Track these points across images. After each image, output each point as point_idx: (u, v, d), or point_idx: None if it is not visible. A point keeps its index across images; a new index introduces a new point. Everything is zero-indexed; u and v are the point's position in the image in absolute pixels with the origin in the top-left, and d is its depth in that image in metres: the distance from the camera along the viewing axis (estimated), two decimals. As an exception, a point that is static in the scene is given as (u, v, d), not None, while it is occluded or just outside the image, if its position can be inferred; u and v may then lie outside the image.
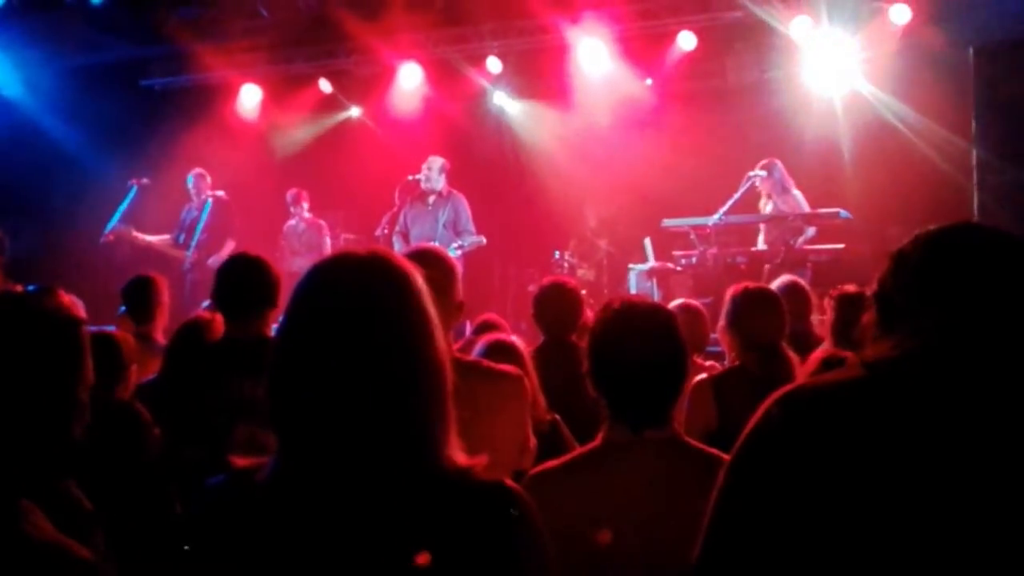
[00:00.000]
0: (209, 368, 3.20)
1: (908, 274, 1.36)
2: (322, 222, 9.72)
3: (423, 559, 1.30)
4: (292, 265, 8.89)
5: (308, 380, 1.38)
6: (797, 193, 8.10)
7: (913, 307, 1.32)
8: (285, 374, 1.41)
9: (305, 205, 9.68)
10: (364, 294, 1.41)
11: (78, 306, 4.34)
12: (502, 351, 3.23)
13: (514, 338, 3.44)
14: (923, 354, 1.28)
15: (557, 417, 3.28)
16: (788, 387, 1.37)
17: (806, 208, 8.01)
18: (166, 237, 9.19)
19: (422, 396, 1.39)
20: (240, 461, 1.46)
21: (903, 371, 1.29)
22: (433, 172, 8.68)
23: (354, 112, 10.92)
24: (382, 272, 1.44)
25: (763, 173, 8.03)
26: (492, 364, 2.76)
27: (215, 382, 3.11)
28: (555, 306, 4.03)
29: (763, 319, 3.50)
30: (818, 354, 2.72)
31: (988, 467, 1.21)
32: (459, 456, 1.42)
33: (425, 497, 1.36)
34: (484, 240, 8.68)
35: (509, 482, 1.45)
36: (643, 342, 2.13)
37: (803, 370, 2.67)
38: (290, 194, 9.69)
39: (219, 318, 4.06)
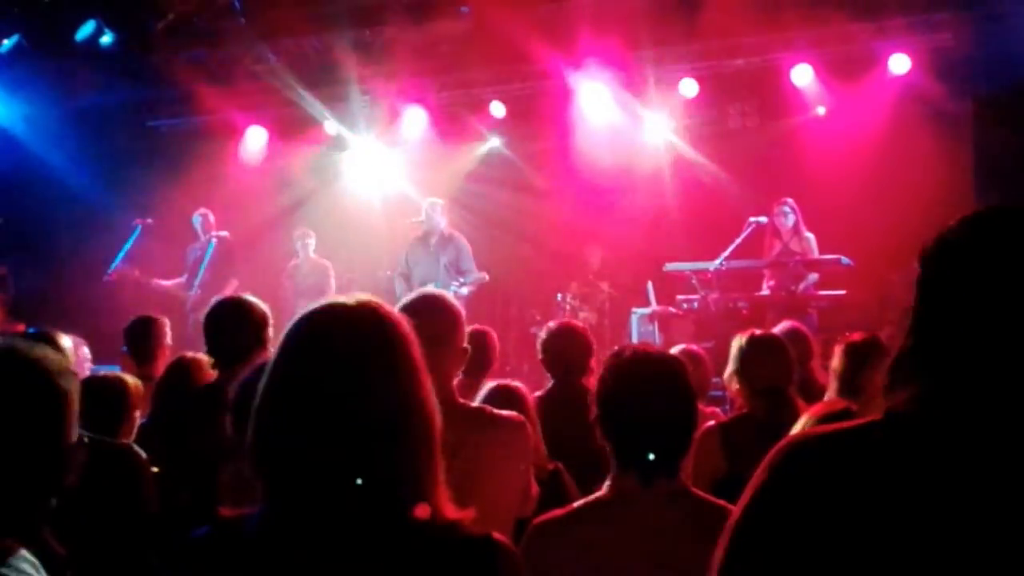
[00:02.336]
0: (198, 410, 3.21)
1: (927, 289, 1.26)
2: (328, 263, 9.71)
3: None
4: (296, 306, 8.85)
5: (292, 431, 1.37)
6: (810, 236, 8.16)
7: (945, 350, 1.22)
8: (270, 424, 1.39)
9: (311, 244, 9.67)
10: (351, 346, 1.40)
11: (81, 346, 4.36)
12: (505, 396, 3.22)
13: (517, 383, 3.42)
14: (941, 404, 1.22)
15: (560, 466, 3.26)
16: (792, 438, 1.34)
17: (816, 251, 8.06)
18: (181, 280, 9.19)
19: (408, 449, 1.38)
20: (226, 511, 1.45)
21: (917, 422, 1.23)
22: (435, 214, 8.73)
23: (358, 154, 10.98)
24: (369, 323, 1.43)
25: (764, 219, 8.10)
26: (495, 411, 2.75)
27: (204, 424, 3.10)
28: (564, 350, 4.01)
29: (770, 366, 3.49)
30: (820, 406, 2.70)
31: (1008, 529, 1.16)
32: (448, 508, 1.40)
33: (410, 551, 1.35)
34: (486, 276, 8.69)
35: (497, 535, 1.43)
36: (654, 394, 2.12)
37: (805, 420, 2.64)
38: (297, 233, 9.70)
39: (204, 359, 4.06)
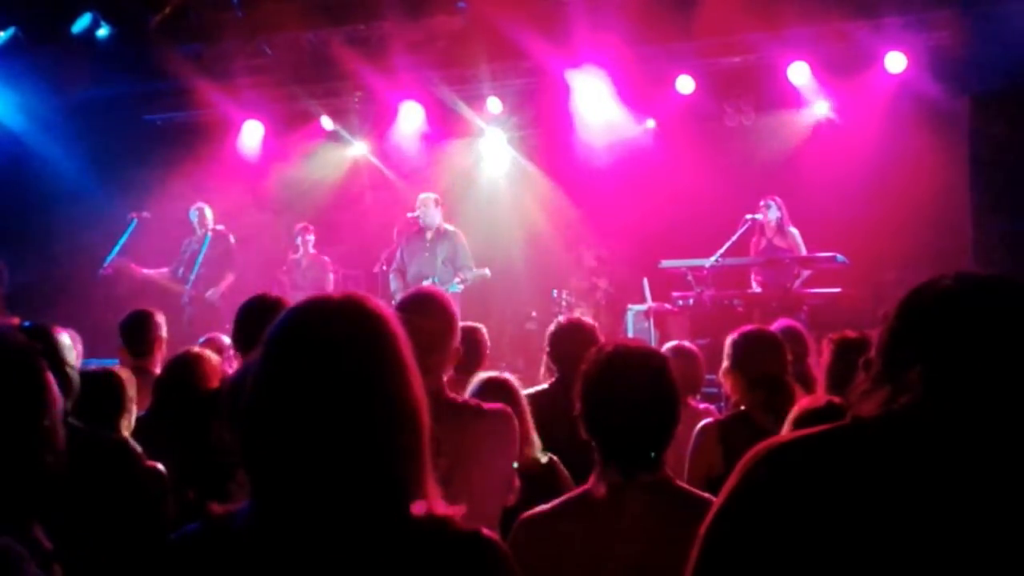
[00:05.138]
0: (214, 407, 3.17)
1: (905, 325, 1.34)
2: (326, 258, 9.70)
3: None
4: (293, 300, 8.79)
5: (278, 427, 1.36)
6: (794, 230, 8.20)
7: (909, 360, 1.31)
8: (256, 420, 1.39)
9: (311, 239, 9.67)
10: (335, 340, 1.39)
11: (77, 341, 4.36)
12: (497, 388, 3.24)
13: (508, 375, 3.44)
14: (912, 410, 1.27)
15: (554, 458, 3.28)
16: (770, 441, 1.36)
17: (802, 245, 8.09)
18: (164, 270, 9.20)
19: (395, 444, 1.37)
20: (217, 507, 1.45)
21: (891, 428, 1.27)
22: (429, 208, 8.72)
23: (355, 149, 10.99)
24: (355, 318, 1.42)
25: (760, 216, 8.13)
26: (482, 404, 2.78)
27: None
28: (571, 344, 4.02)
29: (765, 356, 3.50)
30: (809, 400, 2.72)
31: (975, 527, 1.20)
32: (437, 504, 1.40)
33: (398, 548, 1.34)
34: (488, 273, 8.67)
35: (486, 531, 1.42)
36: (634, 387, 2.14)
37: (795, 415, 2.66)
38: (297, 228, 9.70)
39: (212, 356, 4.05)
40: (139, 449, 3.23)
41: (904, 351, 1.32)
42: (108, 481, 2.98)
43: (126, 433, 3.38)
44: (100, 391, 3.31)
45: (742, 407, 3.54)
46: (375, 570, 1.34)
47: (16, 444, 1.51)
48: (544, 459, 3.28)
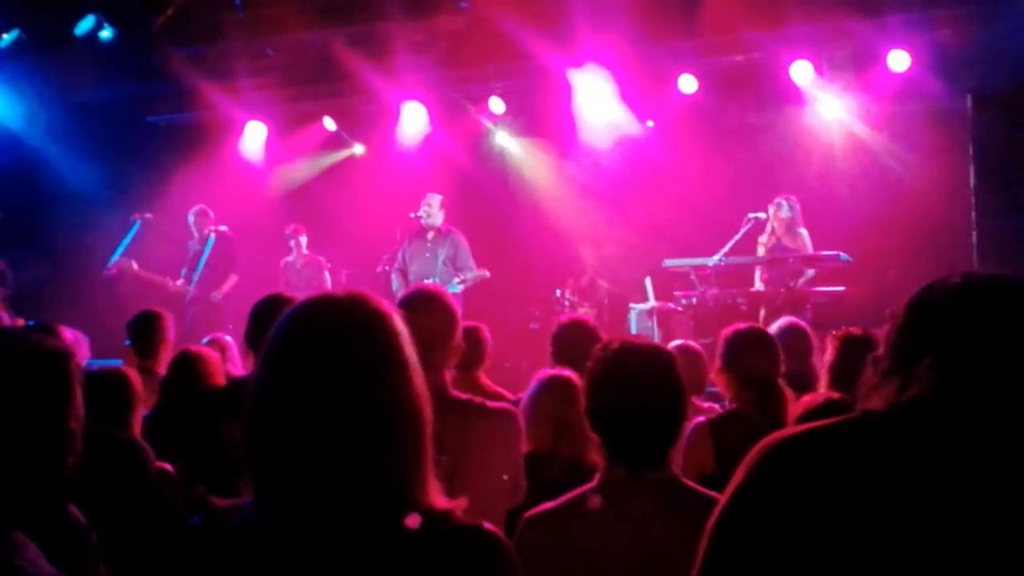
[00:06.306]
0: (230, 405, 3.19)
1: (915, 321, 1.36)
2: (321, 258, 9.69)
3: None
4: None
5: (281, 423, 1.37)
6: (804, 231, 8.20)
7: (918, 354, 1.32)
8: (259, 416, 1.40)
9: (303, 240, 9.66)
10: (338, 338, 1.40)
11: (82, 341, 4.37)
12: (561, 387, 3.25)
13: (569, 373, 3.45)
14: (921, 404, 1.28)
15: None
16: (779, 434, 1.36)
17: (810, 247, 8.08)
18: (181, 278, 9.18)
19: (396, 440, 1.38)
20: (220, 502, 1.46)
21: (901, 419, 1.28)
22: (433, 209, 8.74)
23: (358, 150, 11.00)
24: (358, 315, 1.43)
25: (763, 215, 8.12)
26: (486, 402, 2.77)
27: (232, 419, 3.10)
28: (574, 342, 4.03)
29: (756, 357, 3.50)
30: (810, 397, 2.72)
31: (986, 517, 1.21)
32: (438, 499, 1.41)
33: (399, 541, 1.35)
34: (487, 273, 8.68)
35: (487, 525, 1.43)
36: (642, 384, 2.14)
37: (796, 412, 2.66)
38: (288, 230, 9.70)
39: (212, 353, 4.07)
40: (148, 448, 3.25)
41: (914, 345, 1.33)
42: (120, 479, 3.00)
43: (133, 432, 3.39)
44: (110, 390, 3.32)
45: (734, 405, 3.55)
46: (376, 564, 1.34)
47: (42, 444, 1.53)
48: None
